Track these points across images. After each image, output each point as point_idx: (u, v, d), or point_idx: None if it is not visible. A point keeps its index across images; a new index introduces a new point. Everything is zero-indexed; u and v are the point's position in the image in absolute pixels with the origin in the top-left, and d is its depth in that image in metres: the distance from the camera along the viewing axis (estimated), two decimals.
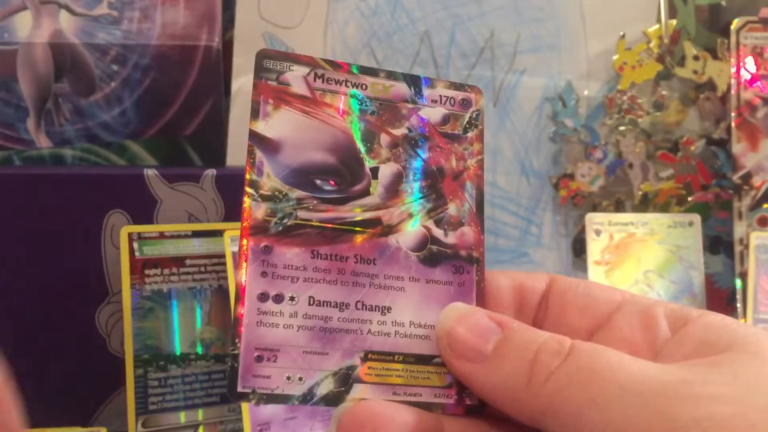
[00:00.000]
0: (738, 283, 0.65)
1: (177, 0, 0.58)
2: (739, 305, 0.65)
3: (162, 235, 0.52)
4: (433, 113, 0.28)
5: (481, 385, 0.24)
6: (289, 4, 0.61)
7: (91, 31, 0.56)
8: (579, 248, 0.66)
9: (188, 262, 0.53)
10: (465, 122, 0.29)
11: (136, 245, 0.51)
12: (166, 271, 0.52)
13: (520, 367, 0.23)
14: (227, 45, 0.59)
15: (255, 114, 0.26)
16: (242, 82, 0.59)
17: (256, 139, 0.26)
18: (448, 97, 0.29)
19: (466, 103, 0.29)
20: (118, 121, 0.57)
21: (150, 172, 0.54)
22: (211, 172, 0.55)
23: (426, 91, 0.28)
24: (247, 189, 0.26)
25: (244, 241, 0.25)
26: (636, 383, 0.21)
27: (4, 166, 0.55)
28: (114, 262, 0.52)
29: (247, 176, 0.26)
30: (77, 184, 0.53)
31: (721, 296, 0.67)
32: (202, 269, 0.53)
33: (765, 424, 0.19)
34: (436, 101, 0.29)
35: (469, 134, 0.29)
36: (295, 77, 0.27)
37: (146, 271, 0.51)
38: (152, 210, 0.54)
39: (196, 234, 0.53)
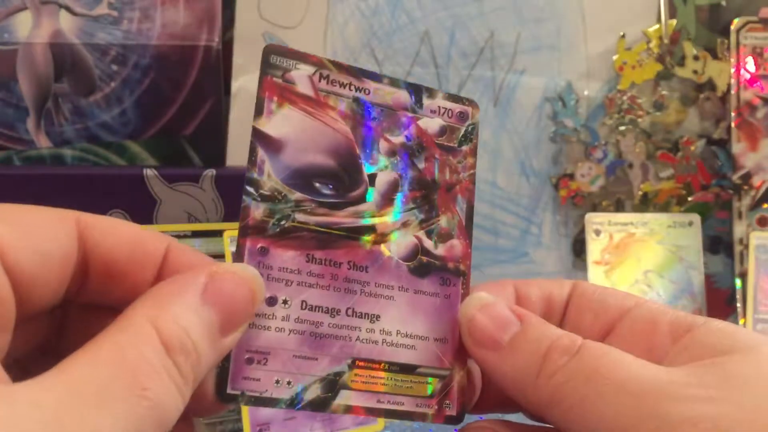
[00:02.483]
0: (738, 283, 0.65)
1: (177, 0, 0.58)
2: (738, 305, 0.65)
3: None
4: (431, 124, 0.28)
5: (495, 371, 0.25)
6: (289, 4, 0.61)
7: (91, 31, 0.56)
8: (579, 248, 0.66)
9: None
10: (461, 135, 0.29)
11: None
12: None
13: (532, 361, 0.24)
14: (227, 45, 0.59)
15: (259, 111, 0.25)
16: (242, 82, 0.59)
17: (259, 136, 0.25)
18: (446, 108, 0.29)
19: (462, 116, 0.29)
20: (118, 121, 0.57)
21: (150, 172, 0.54)
22: (210, 172, 0.55)
23: (426, 101, 0.28)
24: (247, 188, 0.25)
25: (242, 241, 0.25)
26: (632, 382, 0.22)
27: (4, 166, 0.55)
28: None
29: (248, 174, 0.25)
30: (77, 184, 0.53)
31: (721, 296, 0.67)
32: None
33: (751, 424, 0.20)
34: (435, 111, 0.29)
35: (464, 148, 0.29)
36: (301, 76, 0.26)
37: None
38: (152, 210, 0.54)
39: (196, 234, 0.53)
